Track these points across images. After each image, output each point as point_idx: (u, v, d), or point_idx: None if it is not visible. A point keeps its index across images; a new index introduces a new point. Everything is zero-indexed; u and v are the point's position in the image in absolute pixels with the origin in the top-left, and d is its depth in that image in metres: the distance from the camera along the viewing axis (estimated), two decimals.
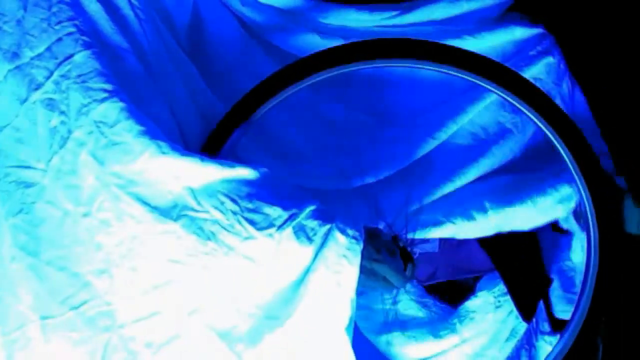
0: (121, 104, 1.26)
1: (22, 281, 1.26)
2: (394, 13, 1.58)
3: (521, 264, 1.77)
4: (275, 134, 1.57)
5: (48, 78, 1.28)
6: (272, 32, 1.60)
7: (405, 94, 1.62)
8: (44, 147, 1.27)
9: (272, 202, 1.25)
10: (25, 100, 1.28)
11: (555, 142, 1.42)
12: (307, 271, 1.23)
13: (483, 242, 1.80)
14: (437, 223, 1.60)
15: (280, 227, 1.23)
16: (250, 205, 1.25)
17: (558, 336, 1.73)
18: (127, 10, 1.36)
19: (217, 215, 1.24)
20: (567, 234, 1.69)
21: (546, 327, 1.80)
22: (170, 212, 1.24)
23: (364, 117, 1.61)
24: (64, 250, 1.25)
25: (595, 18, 1.77)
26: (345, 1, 1.59)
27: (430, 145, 1.57)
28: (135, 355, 1.24)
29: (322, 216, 1.25)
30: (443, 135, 1.58)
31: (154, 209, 1.24)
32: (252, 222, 1.24)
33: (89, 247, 1.25)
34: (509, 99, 1.41)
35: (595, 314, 1.45)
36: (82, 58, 1.28)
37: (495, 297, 1.90)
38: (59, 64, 1.29)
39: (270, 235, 1.23)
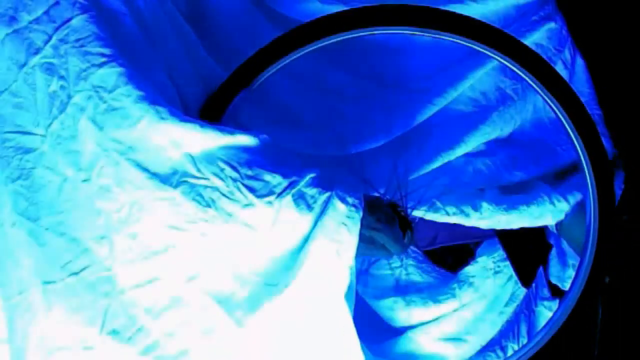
0: (120, 69, 1.25)
1: (23, 246, 1.26)
2: None
3: (521, 230, 1.77)
4: (275, 100, 1.56)
5: (47, 42, 1.27)
6: None
7: (406, 60, 1.61)
8: (43, 113, 1.26)
9: (272, 170, 1.25)
10: (24, 64, 1.27)
11: (556, 109, 1.41)
12: (307, 239, 1.23)
13: None
14: (433, 208, 1.62)
15: (279, 194, 1.23)
16: (250, 172, 1.24)
17: (557, 301, 1.74)
18: None
19: (217, 182, 1.24)
20: None
21: (545, 292, 1.81)
22: (170, 178, 1.24)
23: (364, 84, 1.60)
24: (63, 216, 1.25)
25: None
26: None
27: (430, 111, 1.56)
28: (135, 321, 1.25)
29: (321, 184, 1.25)
30: (443, 102, 1.57)
31: (154, 175, 1.24)
32: (251, 189, 1.23)
33: (89, 212, 1.25)
34: (509, 65, 1.40)
35: (595, 279, 1.46)
36: (80, 22, 1.27)
37: (494, 263, 1.91)
38: (57, 28, 1.27)
39: (270, 202, 1.23)
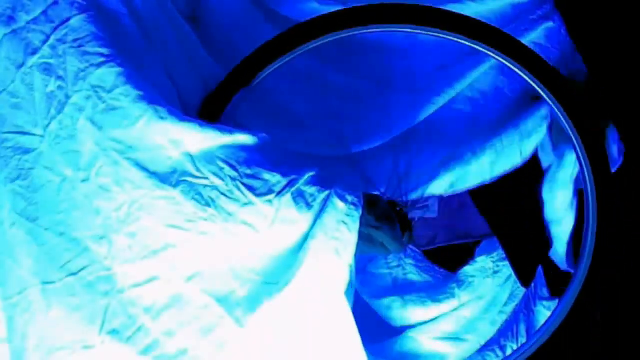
0: (118, 69, 1.25)
1: (23, 246, 1.26)
2: None
3: (522, 230, 1.77)
4: (274, 100, 1.56)
5: (45, 42, 1.27)
6: None
7: (405, 60, 1.61)
8: (42, 113, 1.26)
9: (271, 168, 1.25)
10: (22, 65, 1.27)
11: (555, 108, 1.41)
12: (306, 237, 1.23)
13: (482, 208, 1.80)
14: (434, 176, 1.60)
15: (279, 193, 1.23)
16: (249, 171, 1.24)
17: (557, 301, 1.74)
18: None
19: (216, 181, 1.24)
20: None
21: (545, 292, 1.81)
22: (169, 177, 1.24)
23: (363, 83, 1.60)
24: (62, 215, 1.25)
25: None
26: None
27: (429, 110, 1.56)
28: (134, 320, 1.24)
29: (321, 182, 1.25)
30: (441, 101, 1.57)
31: (153, 174, 1.24)
32: (251, 188, 1.23)
33: (88, 212, 1.25)
34: (507, 63, 1.41)
35: (594, 279, 1.46)
36: (78, 22, 1.27)
37: (494, 262, 1.91)
38: (56, 28, 1.27)
39: (269, 201, 1.23)
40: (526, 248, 1.84)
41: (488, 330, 1.91)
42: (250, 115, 1.51)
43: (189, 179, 1.24)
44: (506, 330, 1.91)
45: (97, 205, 1.25)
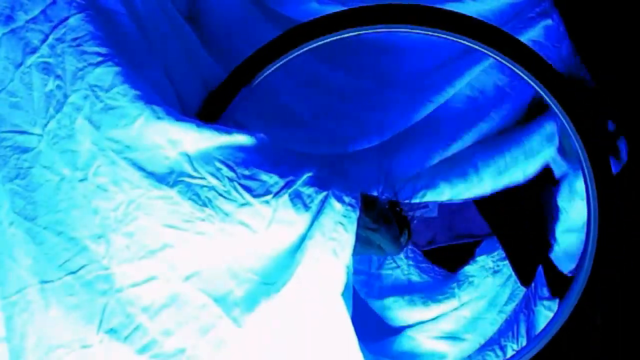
0: (116, 68, 1.25)
1: (21, 245, 1.27)
2: None
3: (522, 230, 1.77)
4: (274, 99, 1.56)
5: (44, 42, 1.27)
6: None
7: (403, 59, 1.61)
8: (40, 112, 1.27)
9: (269, 169, 1.25)
10: (21, 64, 1.27)
11: (551, 104, 1.41)
12: (304, 238, 1.23)
13: (482, 208, 1.80)
14: (432, 186, 1.60)
15: (276, 194, 1.23)
16: (246, 172, 1.24)
17: (557, 301, 1.74)
18: None
19: (214, 181, 1.24)
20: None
21: (545, 292, 1.81)
22: (167, 178, 1.24)
23: (362, 82, 1.60)
24: (60, 215, 1.25)
25: None
26: None
27: (428, 109, 1.57)
28: (132, 319, 1.24)
29: (318, 183, 1.25)
30: (441, 99, 1.58)
31: (150, 174, 1.24)
32: (248, 189, 1.24)
33: (86, 211, 1.25)
34: (504, 62, 1.41)
35: (595, 280, 1.46)
36: (77, 21, 1.27)
37: (494, 262, 1.91)
38: (54, 27, 1.27)
39: (267, 202, 1.23)
40: (526, 248, 1.83)
41: (488, 330, 1.91)
42: (250, 114, 1.51)
43: (187, 179, 1.24)
44: (506, 330, 1.91)
45: (95, 205, 1.25)
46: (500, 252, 1.89)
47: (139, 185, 1.24)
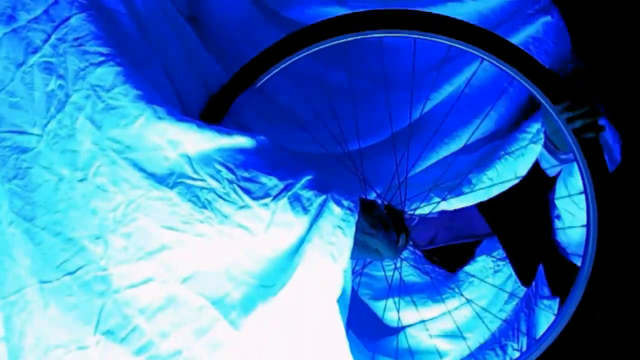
0: (117, 68, 1.25)
1: (20, 245, 1.27)
2: None
3: (522, 229, 1.77)
4: (275, 100, 1.56)
5: (46, 41, 1.27)
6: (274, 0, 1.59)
7: (402, 58, 1.61)
8: (40, 112, 1.27)
9: (269, 172, 1.25)
10: (22, 64, 1.28)
11: (544, 104, 1.42)
12: (302, 241, 1.24)
13: (483, 207, 1.79)
14: (427, 200, 1.62)
15: (275, 197, 1.23)
16: (246, 174, 1.24)
17: (557, 300, 1.74)
18: None
19: (213, 183, 1.24)
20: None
21: (545, 291, 1.81)
22: (167, 179, 1.24)
23: (362, 82, 1.60)
24: (59, 215, 1.26)
25: None
26: None
27: (427, 107, 1.57)
28: (129, 321, 1.25)
29: (318, 186, 1.25)
30: (439, 97, 1.58)
31: (150, 175, 1.24)
32: (247, 192, 1.24)
33: (84, 212, 1.26)
34: (496, 63, 1.41)
35: (595, 280, 1.46)
36: (78, 21, 1.27)
37: (494, 262, 1.91)
38: (56, 27, 1.28)
39: (266, 205, 1.23)
40: (526, 248, 1.83)
41: (488, 329, 1.91)
42: (251, 115, 1.51)
43: (186, 180, 1.24)
44: (507, 330, 1.91)
45: (94, 205, 1.25)
46: (500, 252, 1.89)
47: (139, 186, 1.24)
